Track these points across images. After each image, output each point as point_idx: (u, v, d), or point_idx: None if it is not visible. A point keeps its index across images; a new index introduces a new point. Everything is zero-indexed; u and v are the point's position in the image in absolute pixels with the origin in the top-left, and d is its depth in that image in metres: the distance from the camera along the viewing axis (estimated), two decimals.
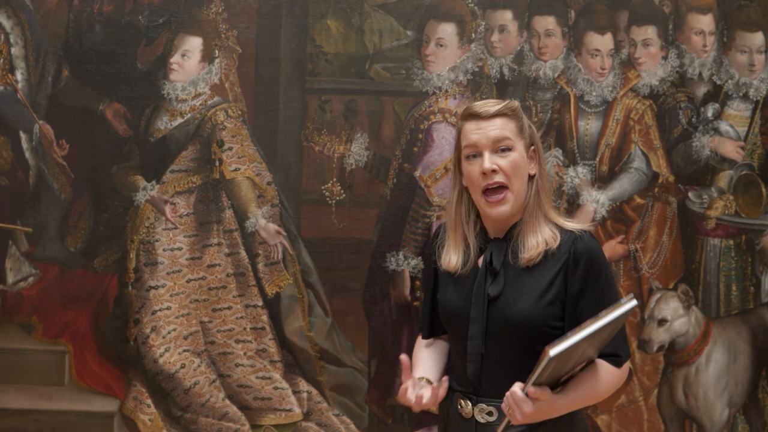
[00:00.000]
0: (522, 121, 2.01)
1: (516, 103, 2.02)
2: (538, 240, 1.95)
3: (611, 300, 1.90)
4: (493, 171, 1.95)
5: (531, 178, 2.02)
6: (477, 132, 1.98)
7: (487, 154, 1.96)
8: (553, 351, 1.72)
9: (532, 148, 2.02)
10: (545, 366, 1.75)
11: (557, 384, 1.90)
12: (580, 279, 1.93)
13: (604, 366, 1.94)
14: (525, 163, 1.99)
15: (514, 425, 1.88)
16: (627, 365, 1.99)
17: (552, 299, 1.93)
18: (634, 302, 1.81)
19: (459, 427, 2.01)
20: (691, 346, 3.51)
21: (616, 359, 1.95)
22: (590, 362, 1.94)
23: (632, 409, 3.53)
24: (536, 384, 1.81)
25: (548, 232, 1.96)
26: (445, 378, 2.05)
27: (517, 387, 1.84)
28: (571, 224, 2.00)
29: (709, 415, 3.51)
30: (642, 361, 3.52)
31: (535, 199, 2.00)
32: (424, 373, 2.09)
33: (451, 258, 2.04)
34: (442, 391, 2.02)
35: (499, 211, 1.97)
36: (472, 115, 2.00)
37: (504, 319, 1.94)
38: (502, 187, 1.97)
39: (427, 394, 1.97)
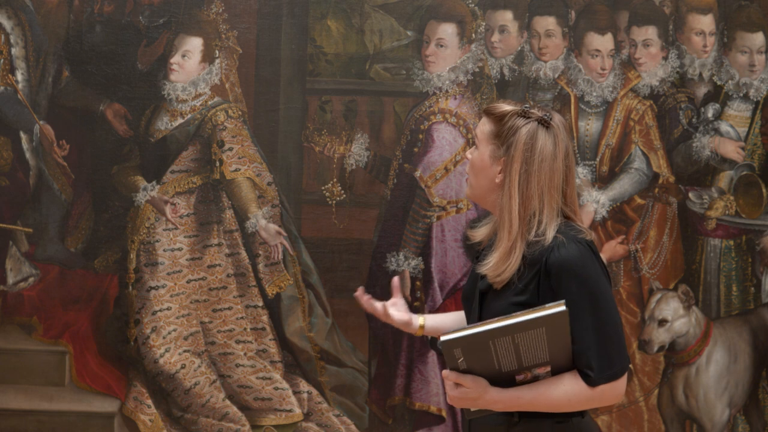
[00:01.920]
0: (503, 127, 1.96)
1: (504, 110, 1.97)
2: (498, 266, 1.91)
3: (590, 312, 1.86)
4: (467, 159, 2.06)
5: (500, 186, 1.97)
6: None
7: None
8: (444, 337, 1.78)
9: (503, 159, 1.95)
10: (446, 352, 1.81)
11: (512, 381, 1.88)
12: (550, 289, 1.88)
13: (572, 378, 1.88)
14: (483, 165, 1.98)
15: (485, 417, 1.92)
16: (612, 388, 1.88)
17: (524, 302, 1.91)
18: (561, 309, 1.77)
19: (462, 412, 2.08)
20: (691, 346, 3.51)
21: (586, 375, 1.87)
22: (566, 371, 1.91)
23: (633, 409, 3.53)
24: (453, 369, 1.84)
25: (512, 261, 1.90)
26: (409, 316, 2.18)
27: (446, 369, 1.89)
28: (560, 235, 1.91)
29: (710, 415, 3.51)
30: (642, 362, 3.53)
31: (499, 213, 1.95)
32: (429, 317, 2.23)
33: (483, 230, 2.08)
34: (398, 314, 2.16)
35: (465, 191, 2.12)
36: None
37: (490, 314, 1.97)
38: None
39: (394, 313, 2.15)
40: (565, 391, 1.88)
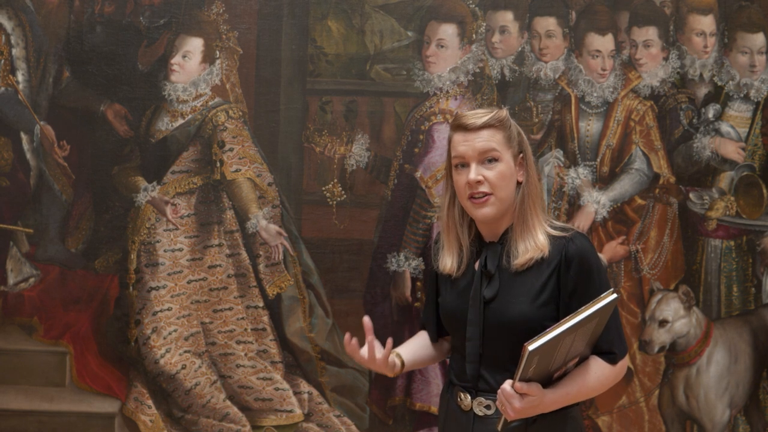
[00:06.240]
0: (510, 130, 2.06)
1: (503, 113, 2.06)
2: (527, 246, 2.01)
3: None
4: (478, 182, 2.02)
5: (519, 184, 2.07)
6: (464, 144, 2.04)
7: (473, 166, 2.03)
8: (532, 346, 1.79)
9: (521, 155, 2.07)
10: (527, 361, 1.81)
11: (550, 380, 1.92)
12: (572, 280, 1.99)
13: (597, 362, 2.00)
14: (512, 171, 2.05)
15: (510, 420, 1.95)
16: (624, 363, 2.04)
17: (546, 300, 1.99)
18: (614, 296, 1.87)
19: (457, 418, 2.08)
20: (692, 347, 3.51)
21: (610, 356, 2.00)
22: (585, 359, 2.01)
23: (633, 410, 3.53)
24: (523, 380, 1.87)
25: (537, 239, 2.01)
26: (391, 354, 2.15)
27: (507, 384, 1.91)
28: (561, 227, 2.05)
29: (710, 416, 3.51)
30: (643, 362, 3.53)
31: (521, 205, 2.04)
32: (402, 350, 2.22)
33: (446, 261, 2.13)
34: (381, 358, 2.10)
35: (483, 212, 2.03)
36: (460, 126, 2.06)
37: (500, 321, 2.00)
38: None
39: (377, 353, 2.10)
40: (597, 376, 1.98)
